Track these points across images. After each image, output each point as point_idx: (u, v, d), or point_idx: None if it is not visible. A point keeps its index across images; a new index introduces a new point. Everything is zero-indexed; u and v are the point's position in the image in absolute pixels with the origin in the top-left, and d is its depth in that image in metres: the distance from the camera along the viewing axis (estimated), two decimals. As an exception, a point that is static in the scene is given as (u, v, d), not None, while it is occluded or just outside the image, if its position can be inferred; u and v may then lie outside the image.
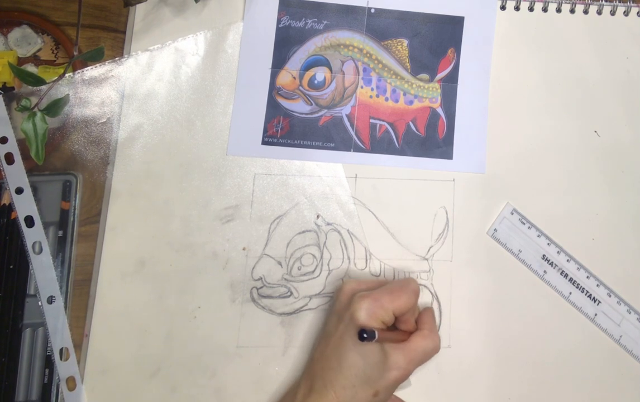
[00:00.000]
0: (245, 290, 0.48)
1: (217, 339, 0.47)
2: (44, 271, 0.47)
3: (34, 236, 0.47)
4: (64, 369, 0.46)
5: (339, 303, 0.44)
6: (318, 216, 0.49)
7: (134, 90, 0.50)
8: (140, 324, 0.47)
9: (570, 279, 0.49)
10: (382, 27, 0.52)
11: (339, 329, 0.42)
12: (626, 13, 0.52)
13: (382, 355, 0.41)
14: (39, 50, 0.51)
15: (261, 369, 0.47)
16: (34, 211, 0.47)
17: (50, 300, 0.47)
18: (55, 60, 0.51)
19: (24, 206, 0.47)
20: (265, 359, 0.47)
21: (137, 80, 0.51)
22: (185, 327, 0.47)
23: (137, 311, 0.47)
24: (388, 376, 0.41)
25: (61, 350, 0.46)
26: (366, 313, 0.41)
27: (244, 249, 0.48)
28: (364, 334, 0.39)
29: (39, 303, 0.46)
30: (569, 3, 0.52)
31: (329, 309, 0.47)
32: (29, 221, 0.47)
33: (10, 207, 0.48)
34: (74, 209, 0.49)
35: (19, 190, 0.48)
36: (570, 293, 0.48)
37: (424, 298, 0.48)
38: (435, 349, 0.43)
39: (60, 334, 0.46)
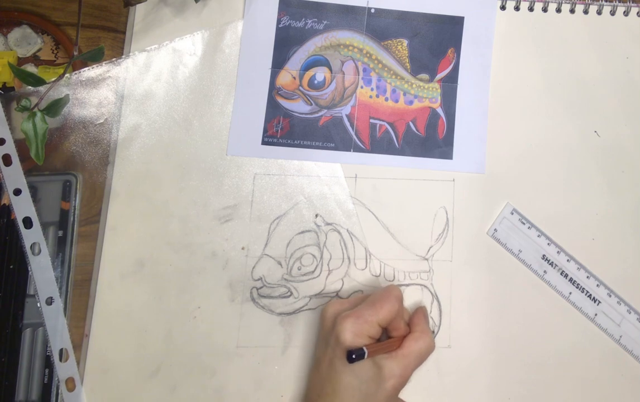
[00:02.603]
0: (245, 290, 0.48)
1: (217, 339, 0.47)
2: (42, 272, 0.47)
3: (32, 237, 0.47)
4: (63, 370, 0.46)
5: (323, 327, 0.44)
6: (317, 215, 0.49)
7: (132, 91, 0.50)
8: (140, 324, 0.47)
9: (570, 279, 0.49)
10: (382, 27, 0.52)
11: (327, 354, 0.42)
12: (626, 13, 0.52)
13: (375, 368, 0.41)
14: (39, 50, 0.51)
15: (261, 369, 0.47)
16: (32, 212, 0.47)
17: (49, 301, 0.47)
18: (55, 61, 0.51)
19: (22, 207, 0.47)
20: (264, 359, 0.47)
21: (135, 81, 0.51)
22: (185, 327, 0.47)
23: (137, 311, 0.47)
24: (385, 386, 0.40)
25: (60, 351, 0.46)
26: (351, 333, 0.41)
27: (242, 248, 0.48)
28: (353, 355, 0.39)
29: (38, 304, 0.46)
30: (569, 3, 0.52)
31: (317, 334, 0.47)
32: (28, 222, 0.47)
33: (10, 208, 0.48)
34: (74, 209, 0.49)
35: (17, 192, 0.48)
36: (570, 293, 0.48)
37: (424, 298, 0.48)
38: (429, 349, 0.43)
39: (59, 335, 0.46)
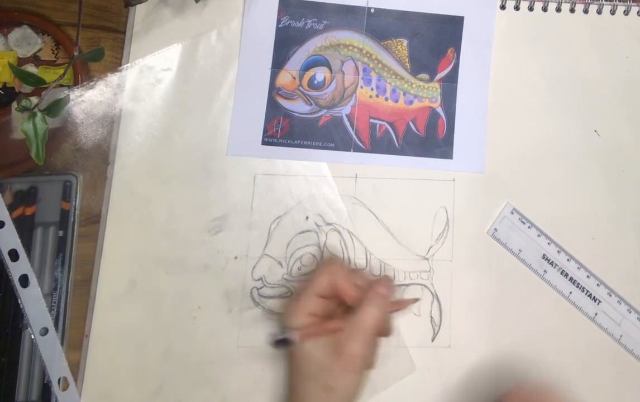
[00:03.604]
0: (245, 290, 0.48)
1: (217, 340, 0.47)
2: (34, 304, 0.45)
3: (19, 269, 0.46)
4: (64, 398, 0.45)
5: None
6: (317, 215, 0.49)
7: (132, 91, 0.50)
8: (140, 323, 0.47)
9: (571, 279, 0.49)
10: (382, 27, 0.52)
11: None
12: (626, 13, 0.52)
13: (328, 350, 0.39)
14: (39, 50, 0.51)
15: (261, 369, 0.47)
16: (17, 244, 0.46)
17: (44, 332, 0.46)
18: (55, 61, 0.51)
19: (7, 240, 0.46)
20: (265, 359, 0.47)
21: (135, 81, 0.51)
22: (185, 327, 0.47)
23: (137, 311, 0.47)
24: (341, 365, 0.39)
25: (59, 380, 0.45)
26: (288, 313, 0.41)
27: (242, 249, 0.48)
28: (277, 340, 0.38)
29: (32, 336, 0.45)
30: (569, 3, 0.52)
31: None
32: (13, 255, 0.46)
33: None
34: (74, 209, 0.49)
35: (1, 225, 0.46)
36: (571, 293, 0.48)
37: (425, 298, 0.48)
38: (375, 317, 0.40)
39: (56, 364, 0.45)
